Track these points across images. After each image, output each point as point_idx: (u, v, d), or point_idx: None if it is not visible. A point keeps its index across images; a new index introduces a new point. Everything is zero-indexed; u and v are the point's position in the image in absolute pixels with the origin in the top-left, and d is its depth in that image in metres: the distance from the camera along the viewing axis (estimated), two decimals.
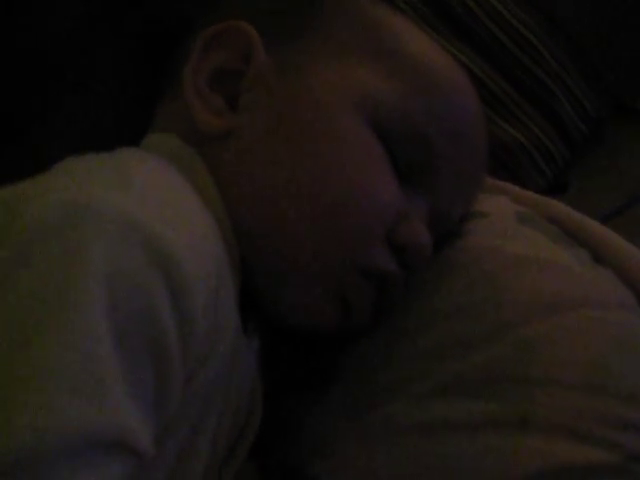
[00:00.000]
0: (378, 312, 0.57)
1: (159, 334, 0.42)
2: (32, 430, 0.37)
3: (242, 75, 0.57)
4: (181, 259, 0.44)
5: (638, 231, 0.84)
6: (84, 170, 0.48)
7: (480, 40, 0.96)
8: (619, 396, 0.51)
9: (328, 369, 0.58)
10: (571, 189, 0.95)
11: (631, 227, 0.85)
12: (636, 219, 0.88)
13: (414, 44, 0.59)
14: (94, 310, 0.40)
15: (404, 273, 0.56)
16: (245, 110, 0.56)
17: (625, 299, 0.59)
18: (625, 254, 0.63)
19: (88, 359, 0.39)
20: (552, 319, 0.54)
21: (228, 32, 0.57)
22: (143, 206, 0.45)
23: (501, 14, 0.96)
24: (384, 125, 0.55)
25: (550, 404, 0.50)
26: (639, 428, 0.50)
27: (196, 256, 0.45)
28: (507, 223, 0.63)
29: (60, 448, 0.38)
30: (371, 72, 0.56)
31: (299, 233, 0.54)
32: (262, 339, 0.57)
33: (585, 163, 0.98)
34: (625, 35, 1.02)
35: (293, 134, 0.55)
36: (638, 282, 0.61)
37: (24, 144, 0.79)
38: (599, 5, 1.00)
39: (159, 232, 0.44)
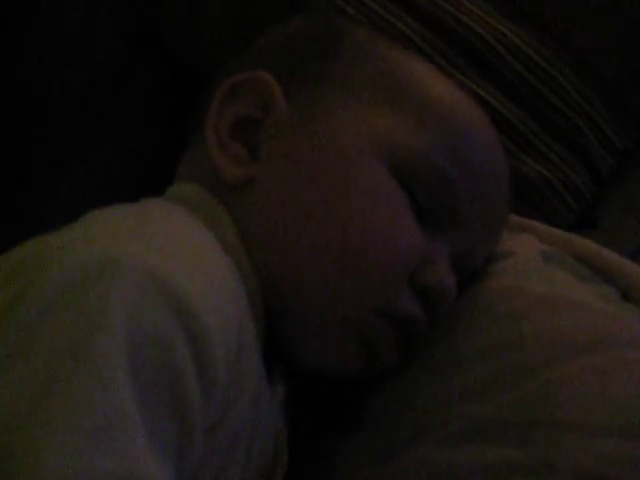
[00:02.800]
0: (402, 355, 0.57)
1: (180, 387, 0.42)
2: (50, 476, 0.37)
3: (263, 124, 0.58)
4: (202, 312, 0.44)
5: None
6: (107, 224, 0.49)
7: (503, 77, 0.95)
8: None
9: (353, 414, 0.58)
10: (600, 224, 0.94)
11: None
12: None
13: (434, 88, 0.60)
14: (115, 364, 0.41)
15: (428, 315, 0.56)
16: (266, 159, 0.57)
17: None
18: None
19: (109, 412, 0.39)
20: (578, 360, 0.54)
21: (249, 82, 0.58)
22: (165, 260, 0.45)
23: (523, 51, 0.96)
24: (406, 171, 0.56)
25: (578, 449, 0.49)
26: None
27: (217, 309, 0.46)
28: (532, 263, 0.63)
29: None
30: (392, 118, 0.57)
31: (322, 281, 0.54)
32: (287, 385, 0.57)
33: (614, 196, 0.97)
34: None
35: (314, 183, 0.55)
36: None
37: (47, 193, 0.81)
38: (621, 35, 1.00)
39: (180, 286, 0.44)
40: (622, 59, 1.00)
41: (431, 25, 0.96)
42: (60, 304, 0.42)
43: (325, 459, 0.58)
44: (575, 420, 0.51)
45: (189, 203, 0.56)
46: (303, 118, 0.57)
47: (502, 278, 0.61)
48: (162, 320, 0.43)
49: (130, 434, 0.40)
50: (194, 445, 0.44)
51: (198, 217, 0.54)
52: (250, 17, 0.87)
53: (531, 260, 0.63)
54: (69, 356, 0.41)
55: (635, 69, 1.01)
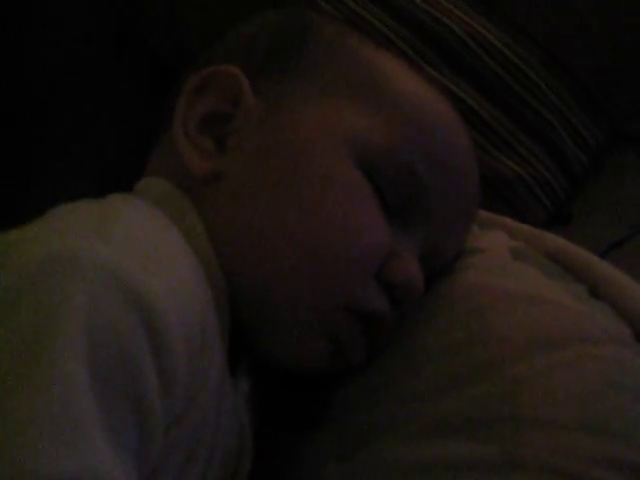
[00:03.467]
0: (369, 350, 0.57)
1: (139, 383, 0.42)
2: (8, 476, 0.37)
3: (231, 118, 0.58)
4: (162, 308, 0.44)
5: (638, 263, 0.84)
6: (68, 219, 0.48)
7: (478, 75, 0.96)
8: (613, 435, 0.50)
9: (319, 409, 0.58)
10: (573, 220, 0.94)
11: (633, 258, 0.85)
12: (636, 250, 0.87)
13: (404, 84, 0.60)
14: (74, 359, 0.40)
15: (395, 310, 0.56)
16: (233, 152, 0.57)
17: (621, 334, 0.58)
18: (623, 289, 0.62)
19: (67, 408, 0.39)
20: (542, 356, 0.54)
21: (216, 76, 0.58)
22: (126, 256, 0.45)
23: (497, 48, 0.96)
24: (373, 164, 0.55)
25: (540, 444, 0.50)
26: (634, 469, 0.49)
27: (179, 305, 0.45)
28: (500, 259, 0.63)
29: None
30: (359, 111, 0.57)
31: (287, 275, 0.54)
32: (253, 379, 0.57)
33: (586, 193, 0.98)
34: (623, 64, 1.02)
35: (280, 176, 0.55)
36: (636, 317, 0.60)
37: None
38: (596, 36, 1.00)
39: (141, 282, 0.44)
40: (595, 58, 1.00)
41: (407, 23, 0.96)
42: (18, 300, 0.42)
43: (291, 454, 0.57)
44: (539, 415, 0.51)
45: (156, 198, 0.55)
46: (270, 112, 0.57)
47: (469, 274, 0.61)
48: (121, 316, 0.42)
49: (90, 432, 0.40)
50: (154, 442, 0.43)
51: (164, 212, 0.53)
52: (230, 16, 0.86)
53: (499, 256, 0.63)
54: (27, 353, 0.40)
55: (608, 67, 1.01)
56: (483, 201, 0.65)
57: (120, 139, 0.86)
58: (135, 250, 0.46)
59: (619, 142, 1.02)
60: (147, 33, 0.92)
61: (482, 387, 0.53)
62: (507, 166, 0.93)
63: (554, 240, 0.67)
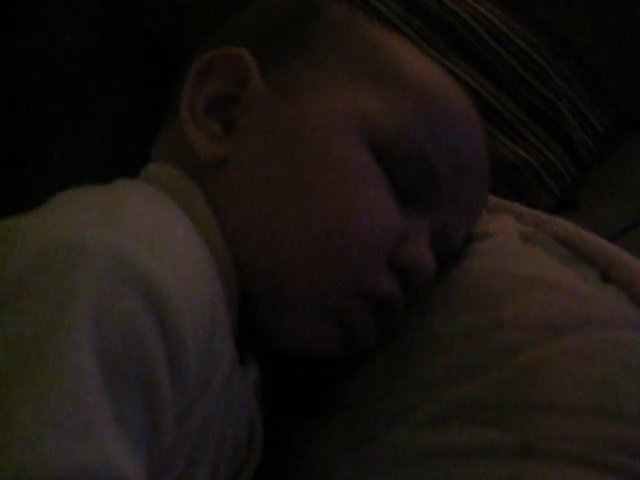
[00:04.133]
0: (380, 334, 0.56)
1: (149, 371, 0.42)
2: (18, 467, 0.37)
3: (238, 100, 0.57)
4: (171, 296, 0.43)
5: None
6: (74, 206, 0.48)
7: (486, 61, 0.95)
8: (626, 419, 0.50)
9: (329, 397, 0.57)
10: (581, 206, 0.94)
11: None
12: None
13: (414, 65, 0.59)
14: (83, 349, 0.40)
15: (406, 295, 0.56)
16: (242, 135, 0.56)
17: (633, 318, 0.57)
18: (634, 272, 0.62)
19: (76, 398, 0.39)
20: (556, 341, 0.53)
21: (223, 58, 0.57)
22: (134, 243, 0.44)
23: (505, 34, 0.96)
24: (383, 147, 0.55)
25: (553, 429, 0.49)
26: None
27: (187, 291, 0.45)
28: (511, 243, 0.62)
29: None
30: (369, 94, 0.56)
31: (298, 259, 0.53)
32: (262, 367, 0.56)
33: (594, 180, 0.97)
34: (631, 50, 1.01)
35: (289, 159, 0.54)
36: None
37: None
38: (603, 21, 1.00)
39: (149, 269, 0.43)
40: (605, 45, 1.00)
41: (415, 10, 0.96)
42: (25, 289, 0.41)
43: (301, 444, 0.57)
44: (552, 400, 0.50)
45: (163, 183, 0.55)
46: (279, 94, 0.56)
47: (481, 259, 0.60)
48: (130, 304, 0.42)
49: (100, 423, 0.39)
50: (165, 432, 0.43)
51: (171, 197, 0.52)
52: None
53: (510, 241, 0.63)
54: (36, 343, 0.40)
55: (617, 55, 1.01)
56: (491, 187, 0.65)
57: (121, 125, 0.86)
58: (143, 236, 0.45)
59: (627, 128, 1.02)
60: (147, 17, 0.91)
61: (496, 373, 0.52)
62: (515, 152, 0.92)
63: (564, 225, 0.67)
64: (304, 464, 0.56)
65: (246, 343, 0.55)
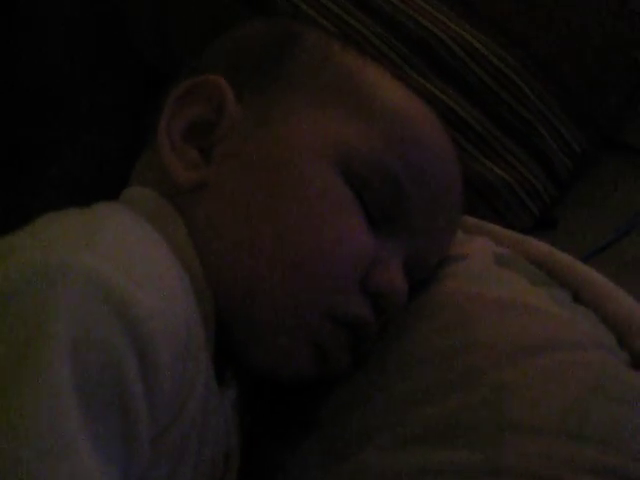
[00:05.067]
0: (354, 358, 0.57)
1: (125, 393, 0.42)
2: None
3: (216, 127, 0.58)
4: (147, 318, 0.44)
5: (623, 267, 0.84)
6: (53, 229, 0.48)
7: (464, 81, 0.96)
8: (594, 441, 0.51)
9: (305, 417, 0.58)
10: (558, 225, 0.95)
11: (617, 263, 0.85)
12: (623, 255, 0.88)
13: (388, 92, 0.60)
14: (59, 371, 0.40)
15: (379, 319, 0.57)
16: (218, 162, 0.57)
17: (604, 340, 0.58)
18: (607, 294, 0.63)
19: (52, 419, 0.39)
20: (525, 363, 0.54)
21: (200, 85, 0.58)
22: (112, 267, 0.45)
23: (483, 55, 0.97)
24: (356, 173, 0.56)
25: (523, 450, 0.50)
26: (615, 474, 0.49)
27: (163, 314, 0.45)
28: (484, 266, 0.63)
29: None
30: (343, 121, 0.57)
31: (272, 282, 0.54)
32: (240, 387, 0.57)
33: (572, 199, 0.98)
34: (608, 69, 1.02)
35: (264, 185, 0.55)
36: (619, 323, 0.60)
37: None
38: (581, 41, 1.01)
39: (127, 293, 0.44)
40: (581, 64, 1.01)
41: (392, 28, 0.97)
42: (2, 310, 0.42)
43: (277, 461, 0.58)
44: (522, 422, 0.51)
45: (141, 207, 0.56)
46: (255, 121, 0.57)
47: (454, 282, 0.61)
48: (107, 328, 0.42)
49: (77, 446, 0.40)
50: (141, 452, 0.44)
51: (150, 221, 0.53)
52: (217, 18, 0.87)
53: (483, 263, 0.64)
54: (12, 364, 0.40)
55: (594, 74, 1.02)
56: (468, 206, 0.66)
57: (110, 142, 0.86)
58: (121, 260, 0.46)
59: (604, 148, 1.03)
60: (132, 34, 0.92)
61: (466, 394, 0.53)
62: (493, 171, 0.93)
63: (538, 246, 0.68)
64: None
65: (223, 364, 0.56)
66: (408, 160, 0.57)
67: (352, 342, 0.56)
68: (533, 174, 0.95)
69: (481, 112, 0.95)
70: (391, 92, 0.60)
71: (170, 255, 0.51)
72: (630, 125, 1.06)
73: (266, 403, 0.60)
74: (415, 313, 0.59)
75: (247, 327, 0.55)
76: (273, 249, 0.54)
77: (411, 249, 0.58)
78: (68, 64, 0.86)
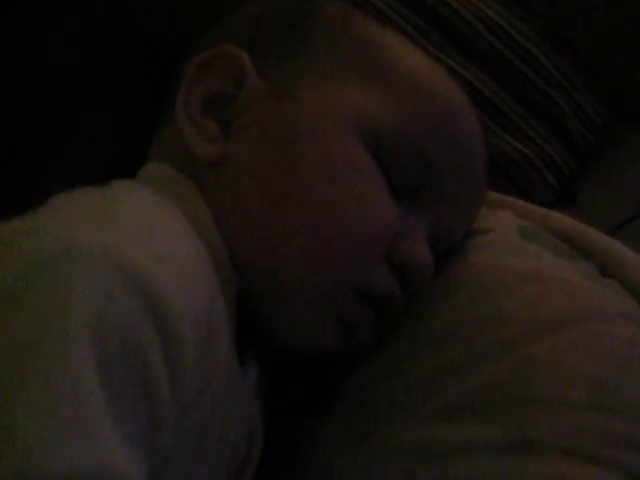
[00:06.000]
0: (380, 333, 0.56)
1: (148, 372, 0.42)
2: (18, 470, 0.37)
3: (235, 100, 0.57)
4: (168, 295, 0.43)
5: None
6: (72, 208, 0.48)
7: (483, 55, 0.95)
8: (624, 414, 0.50)
9: (330, 395, 0.57)
10: (579, 200, 0.94)
11: (639, 238, 0.84)
12: None
13: (409, 61, 0.59)
14: (81, 352, 0.40)
15: (405, 292, 0.56)
16: (238, 135, 0.56)
17: (631, 312, 0.58)
18: (632, 266, 0.62)
19: (75, 401, 0.39)
20: (554, 336, 0.53)
21: (219, 57, 0.57)
22: (131, 244, 0.44)
23: (504, 29, 0.96)
24: (380, 144, 0.55)
25: (552, 424, 0.49)
26: None
27: (185, 292, 0.45)
28: (509, 239, 0.62)
29: None
30: (365, 91, 0.56)
31: (296, 256, 0.53)
32: (262, 367, 0.56)
33: (593, 173, 0.97)
34: (629, 42, 1.01)
35: (286, 157, 0.54)
36: None
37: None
38: (601, 14, 0.99)
39: (146, 270, 0.43)
40: (603, 38, 1.00)
41: (410, 3, 0.96)
42: (22, 292, 0.41)
43: (301, 441, 0.57)
44: (550, 395, 0.51)
45: (160, 184, 0.55)
46: (275, 93, 0.56)
47: (479, 255, 0.60)
48: (127, 306, 0.42)
49: (100, 425, 0.39)
50: (164, 433, 0.43)
51: (169, 198, 0.52)
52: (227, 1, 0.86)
53: (508, 236, 0.63)
54: (34, 346, 0.40)
55: (615, 47, 1.01)
56: (489, 181, 0.65)
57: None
58: (140, 238, 0.45)
59: (625, 121, 1.02)
60: (144, 20, 0.91)
61: (494, 369, 0.52)
62: (513, 146, 0.92)
63: (562, 219, 0.67)
64: (304, 463, 0.56)
65: (246, 343, 0.55)
66: (432, 130, 0.56)
67: (378, 316, 0.55)
68: (553, 148, 0.94)
69: (501, 87, 0.94)
70: (413, 61, 0.59)
71: (191, 232, 0.50)
72: None
73: (288, 382, 0.59)
74: (440, 287, 0.58)
75: (271, 302, 0.54)
76: (296, 222, 0.53)
77: (436, 220, 0.57)
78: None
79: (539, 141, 0.93)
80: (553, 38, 0.96)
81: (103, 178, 0.57)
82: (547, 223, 0.66)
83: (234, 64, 0.57)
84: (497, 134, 0.92)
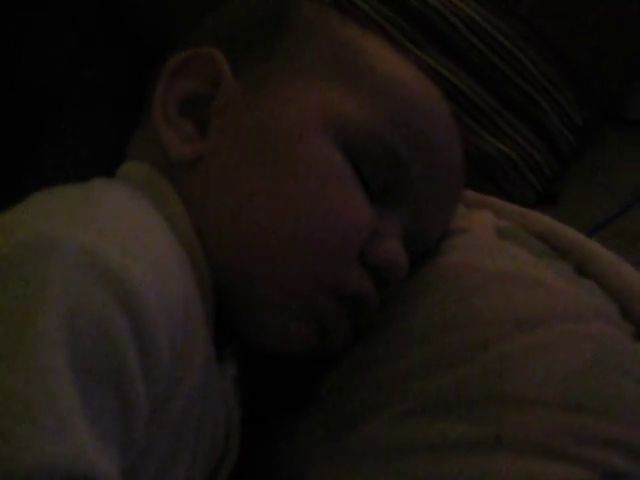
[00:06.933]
0: (355, 332, 0.57)
1: (121, 367, 0.42)
2: None
3: (211, 100, 0.57)
4: (143, 292, 0.43)
5: (626, 242, 0.84)
6: (48, 204, 0.48)
7: (464, 55, 0.95)
8: (597, 412, 0.50)
9: (307, 392, 0.57)
10: (560, 200, 0.94)
11: (619, 237, 0.85)
12: (624, 229, 0.88)
13: (385, 64, 0.59)
14: (54, 347, 0.40)
15: (379, 293, 0.56)
16: (214, 135, 0.56)
17: (606, 312, 0.58)
18: (609, 266, 0.62)
19: (48, 394, 0.39)
20: (528, 335, 0.54)
21: (195, 58, 0.58)
22: (106, 241, 0.44)
23: (484, 29, 0.96)
24: (353, 145, 0.55)
25: (525, 422, 0.50)
26: (619, 444, 0.49)
27: (160, 288, 0.45)
28: (487, 238, 0.63)
29: None
30: (340, 93, 0.56)
31: (270, 258, 0.53)
32: (240, 364, 0.57)
33: (574, 173, 0.98)
34: (610, 42, 1.01)
35: (260, 159, 0.55)
36: (621, 294, 0.60)
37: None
38: (582, 15, 1.00)
39: (121, 266, 0.43)
40: (583, 37, 1.00)
41: (392, 3, 0.96)
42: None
43: (280, 437, 0.57)
44: (524, 394, 0.51)
45: (137, 182, 0.55)
46: (251, 93, 0.56)
47: (455, 254, 0.60)
48: (101, 301, 0.42)
49: (73, 420, 0.39)
50: (138, 427, 0.43)
51: (146, 196, 0.53)
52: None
53: (485, 236, 0.63)
54: (6, 342, 0.40)
55: (595, 47, 1.01)
56: (470, 181, 0.65)
57: (119, 127, 0.86)
58: (116, 235, 0.45)
59: (606, 122, 1.02)
60: (130, 17, 0.91)
61: (468, 367, 0.53)
62: (494, 146, 0.93)
63: (540, 219, 0.67)
64: (281, 460, 0.56)
65: (223, 340, 0.55)
66: (406, 131, 0.56)
67: (352, 316, 0.56)
68: (534, 147, 0.94)
69: (482, 86, 0.94)
70: (388, 63, 0.59)
71: (167, 230, 0.51)
72: (631, 100, 1.05)
73: (266, 380, 0.60)
74: (416, 286, 0.58)
75: (246, 302, 0.55)
76: (270, 223, 0.53)
77: (412, 221, 0.57)
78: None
79: (520, 140, 0.94)
80: (535, 39, 0.97)
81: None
82: (525, 223, 0.67)
83: (210, 65, 0.57)
84: (477, 133, 0.92)
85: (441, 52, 0.95)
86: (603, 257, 0.63)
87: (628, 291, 0.60)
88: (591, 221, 0.89)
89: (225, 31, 0.61)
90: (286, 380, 0.60)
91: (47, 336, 0.40)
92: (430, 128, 0.58)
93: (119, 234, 0.46)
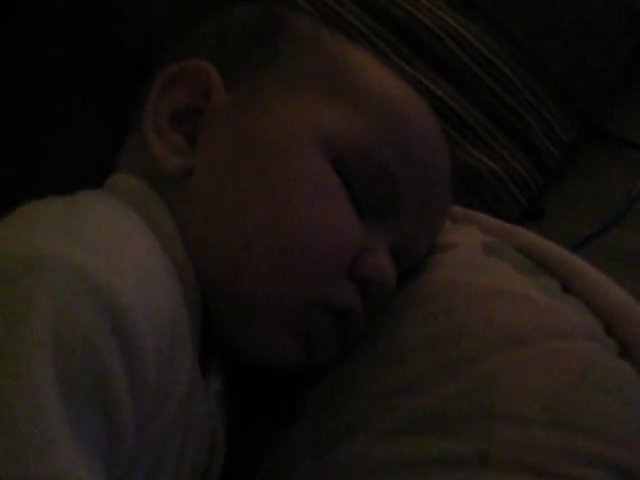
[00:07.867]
0: (342, 346, 0.57)
1: (107, 384, 0.42)
2: None
3: (202, 113, 0.57)
4: (130, 306, 0.43)
5: (612, 257, 0.84)
6: (35, 219, 0.48)
7: (452, 70, 0.96)
8: (584, 430, 0.50)
9: (293, 406, 0.57)
10: (546, 215, 0.95)
11: (604, 252, 0.85)
12: (610, 245, 0.88)
13: (374, 77, 0.59)
14: (40, 363, 0.40)
15: (367, 306, 0.56)
16: (204, 148, 0.56)
17: (592, 329, 0.58)
18: (594, 283, 0.63)
19: (33, 411, 0.38)
20: (514, 352, 0.54)
21: (187, 71, 0.58)
22: (92, 255, 0.44)
23: (471, 43, 0.96)
24: (343, 159, 0.55)
25: (511, 440, 0.50)
26: (604, 462, 0.49)
27: (147, 303, 0.45)
28: (473, 254, 0.63)
29: None
30: (330, 107, 0.56)
31: (259, 273, 0.53)
32: (225, 378, 0.57)
33: (559, 189, 0.98)
34: (595, 58, 1.02)
35: (250, 172, 0.55)
36: (606, 312, 0.60)
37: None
38: (568, 30, 1.00)
39: (108, 282, 0.43)
40: (569, 54, 1.01)
41: (382, 19, 0.96)
42: None
43: (264, 452, 0.57)
44: (510, 411, 0.51)
45: (126, 195, 0.55)
46: (242, 107, 0.56)
47: (442, 270, 0.61)
48: (88, 317, 0.42)
49: (58, 437, 0.39)
50: (124, 444, 0.43)
51: (134, 210, 0.52)
52: (199, 3, 0.86)
53: (472, 252, 0.63)
54: None
55: (581, 64, 1.02)
56: (456, 196, 0.66)
57: (109, 140, 0.86)
58: (103, 250, 0.45)
59: (592, 138, 1.03)
60: (116, 21, 0.91)
61: (454, 384, 0.53)
62: (480, 161, 0.93)
63: (526, 235, 0.68)
64: (267, 472, 0.56)
65: (208, 355, 0.55)
66: (395, 145, 0.57)
67: (340, 330, 0.56)
68: (520, 163, 0.95)
69: (468, 100, 0.94)
70: (377, 77, 0.59)
71: (155, 244, 0.50)
72: (617, 116, 1.05)
73: (252, 393, 0.60)
74: (403, 302, 0.58)
75: (233, 315, 0.55)
76: (259, 237, 0.53)
77: (400, 236, 0.58)
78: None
79: (506, 156, 0.94)
80: (521, 54, 0.97)
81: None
82: (512, 239, 0.67)
83: (202, 77, 0.57)
84: (464, 148, 0.92)
85: (427, 65, 0.95)
86: (588, 274, 0.64)
87: (613, 309, 0.60)
88: (576, 237, 0.89)
89: (216, 43, 0.61)
90: (271, 393, 0.60)
91: (34, 352, 0.40)
92: (419, 143, 0.58)
93: (106, 250, 0.45)
